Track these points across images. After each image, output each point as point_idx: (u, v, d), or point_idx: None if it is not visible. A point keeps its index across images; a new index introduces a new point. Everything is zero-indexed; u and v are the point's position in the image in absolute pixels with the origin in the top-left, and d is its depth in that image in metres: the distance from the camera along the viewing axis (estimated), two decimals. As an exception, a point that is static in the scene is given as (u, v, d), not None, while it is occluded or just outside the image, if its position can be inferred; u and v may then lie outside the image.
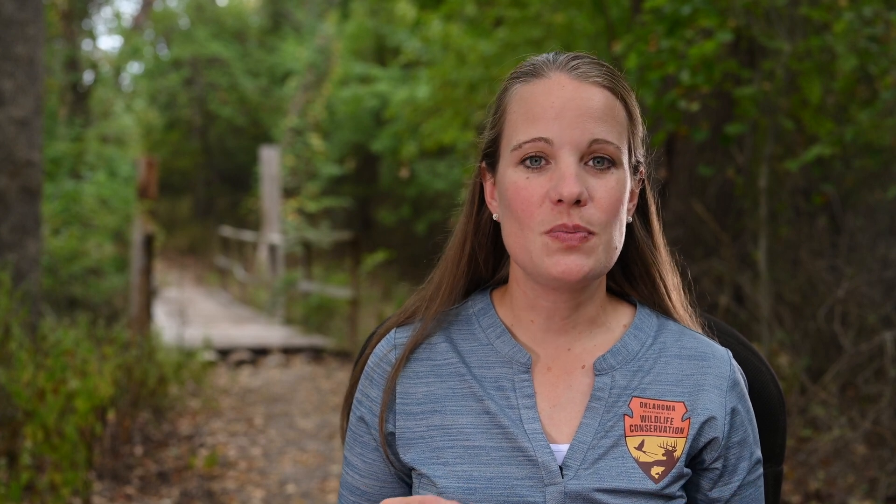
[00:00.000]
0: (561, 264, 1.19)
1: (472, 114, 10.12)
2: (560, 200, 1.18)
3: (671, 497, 1.22)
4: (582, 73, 1.23)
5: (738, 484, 1.27)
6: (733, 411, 1.26)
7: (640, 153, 1.29)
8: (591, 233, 1.19)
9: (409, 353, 1.30)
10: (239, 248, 17.38)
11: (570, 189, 1.17)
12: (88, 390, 4.88)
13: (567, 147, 1.19)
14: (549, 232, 1.19)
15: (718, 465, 1.26)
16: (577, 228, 1.18)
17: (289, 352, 10.52)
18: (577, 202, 1.18)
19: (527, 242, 1.21)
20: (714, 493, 1.27)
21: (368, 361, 1.33)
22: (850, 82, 5.35)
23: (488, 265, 1.36)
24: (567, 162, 1.19)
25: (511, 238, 1.24)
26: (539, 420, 1.23)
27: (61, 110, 15.30)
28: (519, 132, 1.22)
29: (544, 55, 1.28)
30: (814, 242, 6.08)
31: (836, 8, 5.20)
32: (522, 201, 1.20)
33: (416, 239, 17.42)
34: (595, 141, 1.20)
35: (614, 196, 1.20)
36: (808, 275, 5.80)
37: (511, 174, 1.23)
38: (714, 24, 4.94)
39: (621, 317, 1.31)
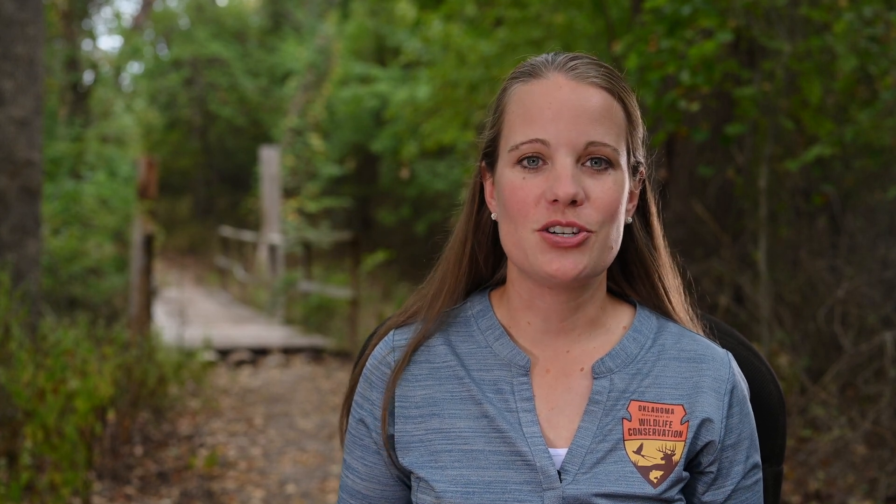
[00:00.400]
0: (555, 262, 1.18)
1: (473, 114, 10.12)
2: (556, 200, 1.18)
3: (670, 501, 1.21)
4: (579, 74, 1.23)
5: (731, 488, 1.26)
6: (730, 414, 1.25)
7: (640, 154, 1.28)
8: (587, 230, 1.19)
9: (411, 355, 1.29)
10: (239, 248, 17.38)
11: (565, 189, 1.17)
12: (88, 390, 4.88)
13: (563, 148, 1.19)
14: (542, 229, 1.19)
15: (713, 468, 1.25)
16: (571, 225, 1.18)
17: (289, 352, 10.52)
18: (573, 202, 1.18)
19: (521, 241, 1.21)
20: (707, 497, 1.26)
21: (367, 364, 1.33)
22: (850, 82, 5.34)
23: (488, 265, 1.35)
24: (563, 163, 1.19)
25: (507, 237, 1.24)
26: (538, 424, 1.22)
27: (61, 110, 15.30)
28: (516, 133, 1.22)
29: (544, 55, 1.27)
30: (814, 243, 6.08)
31: (836, 8, 5.20)
32: (518, 201, 1.20)
33: (416, 239, 17.42)
34: (591, 143, 1.20)
35: (611, 197, 1.20)
36: (808, 275, 5.79)
37: (508, 174, 1.23)
38: (714, 25, 4.94)
39: (621, 318, 1.31)
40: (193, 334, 9.62)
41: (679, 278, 1.35)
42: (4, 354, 4.87)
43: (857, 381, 5.16)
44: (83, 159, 13.08)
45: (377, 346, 1.33)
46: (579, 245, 1.18)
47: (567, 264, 1.18)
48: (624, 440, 1.22)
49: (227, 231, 18.19)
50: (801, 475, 4.76)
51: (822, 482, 4.63)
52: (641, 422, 1.23)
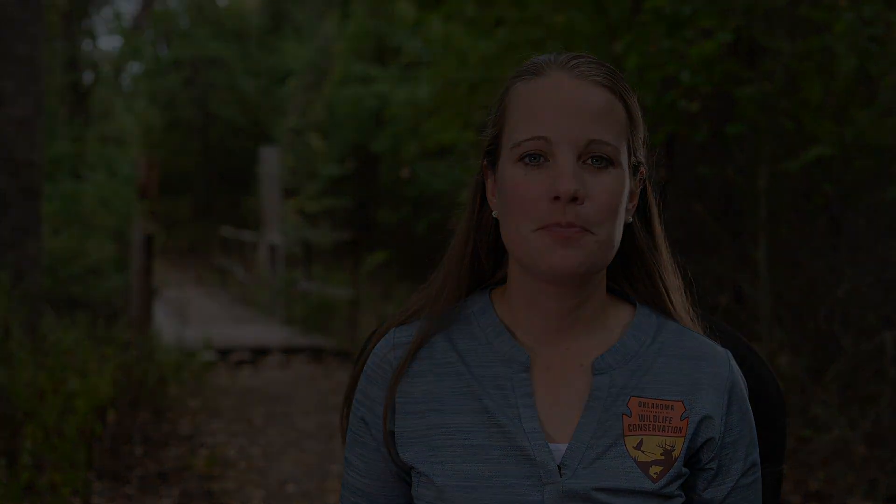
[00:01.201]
0: (556, 255, 1.19)
1: (473, 114, 10.11)
2: (557, 197, 1.19)
3: (669, 497, 1.22)
4: (582, 72, 1.23)
5: (731, 485, 1.27)
6: (729, 411, 1.26)
7: (641, 154, 1.29)
8: (586, 230, 1.19)
9: (415, 352, 1.30)
10: (239, 248, 17.38)
11: (566, 186, 1.17)
12: (88, 390, 4.89)
13: (565, 145, 1.20)
14: (543, 228, 1.19)
15: (713, 465, 1.26)
16: (571, 226, 1.18)
17: (289, 352, 10.52)
18: (574, 199, 1.19)
19: (522, 238, 1.21)
20: (708, 494, 1.27)
21: (368, 362, 1.33)
22: (850, 82, 5.35)
23: (490, 263, 1.36)
24: (565, 159, 1.20)
25: (508, 234, 1.24)
26: (538, 419, 1.23)
27: (61, 110, 15.30)
28: (518, 130, 1.23)
29: (546, 55, 1.28)
30: (814, 243, 6.08)
31: (836, 8, 5.20)
32: (519, 197, 1.21)
33: (416, 239, 17.40)
34: (592, 141, 1.20)
35: (611, 194, 1.21)
36: (808, 275, 5.80)
37: (510, 171, 1.23)
38: (714, 25, 4.94)
39: (621, 316, 1.31)
40: (193, 334, 9.61)
41: (680, 278, 1.36)
42: (4, 354, 4.87)
43: (857, 381, 5.16)
44: (83, 159, 13.08)
45: (378, 344, 1.33)
46: (579, 239, 1.19)
47: (567, 259, 1.19)
48: (624, 436, 1.22)
49: (227, 231, 18.19)
50: (801, 475, 4.76)
51: (822, 482, 4.63)
52: (641, 417, 1.23)
